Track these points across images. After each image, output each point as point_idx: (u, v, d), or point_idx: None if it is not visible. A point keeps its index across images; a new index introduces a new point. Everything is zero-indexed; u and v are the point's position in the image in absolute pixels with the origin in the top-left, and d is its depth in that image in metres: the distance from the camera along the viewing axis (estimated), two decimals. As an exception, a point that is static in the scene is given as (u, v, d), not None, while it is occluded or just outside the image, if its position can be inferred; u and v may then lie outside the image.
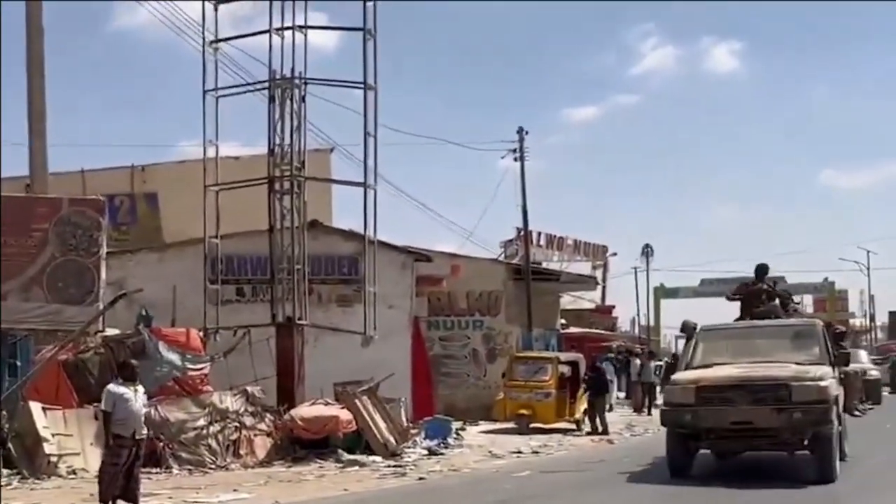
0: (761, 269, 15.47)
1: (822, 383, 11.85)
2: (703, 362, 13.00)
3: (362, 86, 17.64)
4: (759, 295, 15.05)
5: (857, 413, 20.97)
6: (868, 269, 66.65)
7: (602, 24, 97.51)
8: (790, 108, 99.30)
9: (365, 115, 17.64)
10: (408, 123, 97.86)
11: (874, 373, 30.69)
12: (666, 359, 39.24)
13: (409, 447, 16.63)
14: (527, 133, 33.11)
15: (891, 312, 70.35)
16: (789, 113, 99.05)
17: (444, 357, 26.43)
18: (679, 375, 13.00)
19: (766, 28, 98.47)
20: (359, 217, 18.03)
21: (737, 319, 15.05)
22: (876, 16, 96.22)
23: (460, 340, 26.84)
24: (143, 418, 10.56)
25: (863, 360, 31.09)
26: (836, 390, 12.23)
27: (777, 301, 14.97)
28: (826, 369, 12.34)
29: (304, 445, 15.86)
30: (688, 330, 15.50)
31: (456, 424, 19.54)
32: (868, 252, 65.61)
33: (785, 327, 13.87)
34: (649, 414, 26.42)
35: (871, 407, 24.99)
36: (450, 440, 17.93)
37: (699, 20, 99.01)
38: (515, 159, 32.92)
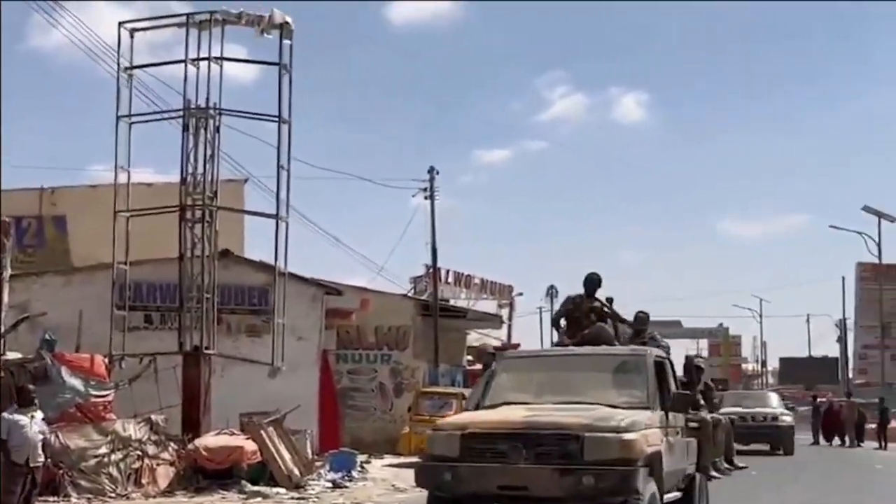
0: (591, 281, 11.97)
1: (629, 436, 8.43)
2: (496, 400, 9.70)
3: (277, 119, 17.58)
4: (588, 314, 11.83)
5: (715, 474, 15.73)
6: (761, 316, 68.52)
7: (513, 70, 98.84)
8: (693, 159, 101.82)
9: (279, 148, 17.57)
10: (324, 158, 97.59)
11: (787, 419, 27.35)
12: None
13: (313, 479, 16.39)
14: (437, 173, 33.26)
15: (781, 359, 72.44)
16: (692, 163, 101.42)
17: (351, 390, 26.21)
18: (449, 419, 10.37)
19: (672, 81, 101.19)
20: (271, 248, 17.88)
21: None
22: (776, 72, 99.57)
23: (368, 374, 26.67)
24: (39, 445, 10.19)
25: (774, 404, 28.48)
26: (655, 445, 8.87)
27: (621, 324, 11.95)
28: (645, 415, 9.05)
29: (207, 475, 15.47)
30: (486, 358, 13.05)
31: (361, 457, 19.34)
32: (761, 300, 67.52)
33: (608, 357, 10.45)
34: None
35: (741, 466, 19.65)
36: (354, 473, 17.71)
37: (608, 70, 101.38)
38: (426, 198, 33.03)
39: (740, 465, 19.84)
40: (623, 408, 9.15)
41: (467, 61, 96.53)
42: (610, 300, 12.33)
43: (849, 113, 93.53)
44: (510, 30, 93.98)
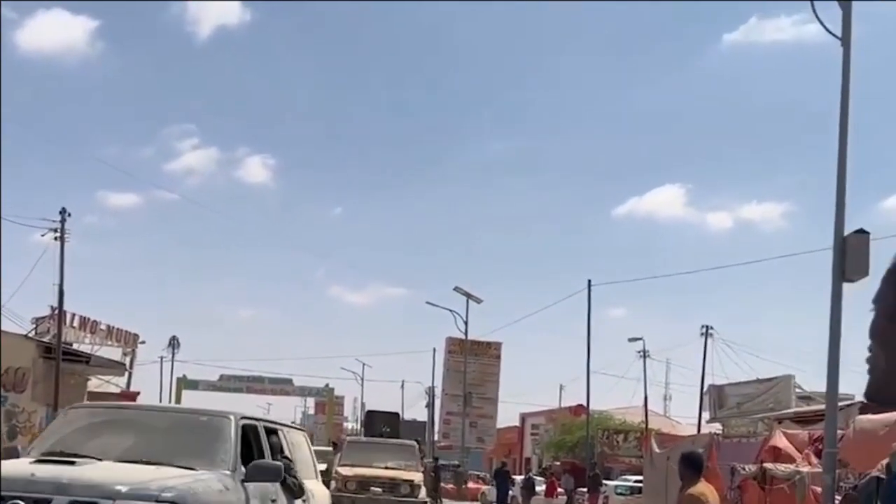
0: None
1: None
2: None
3: None
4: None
5: None
6: (363, 379, 70.42)
7: (142, 116, 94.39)
8: (310, 224, 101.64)
9: None
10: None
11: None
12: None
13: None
14: (69, 215, 30.96)
15: (368, 412, 74.59)
16: (309, 228, 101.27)
17: (-42, 432, 23.17)
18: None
19: (296, 148, 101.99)
20: None
21: None
22: (387, 154, 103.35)
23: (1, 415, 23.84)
24: None
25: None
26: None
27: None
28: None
29: None
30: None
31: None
32: (364, 364, 69.35)
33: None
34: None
35: None
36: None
37: (236, 130, 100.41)
38: (56, 238, 30.53)
39: None
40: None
41: (94, 99, 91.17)
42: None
43: (441, 197, 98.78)
44: (139, 74, 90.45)
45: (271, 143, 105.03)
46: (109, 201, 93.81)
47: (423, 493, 19.44)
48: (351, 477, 19.26)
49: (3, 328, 27.35)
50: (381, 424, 24.37)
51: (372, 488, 18.94)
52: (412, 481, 19.27)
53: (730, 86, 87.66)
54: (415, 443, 21.86)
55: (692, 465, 7.36)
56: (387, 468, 19.69)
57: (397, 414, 29.61)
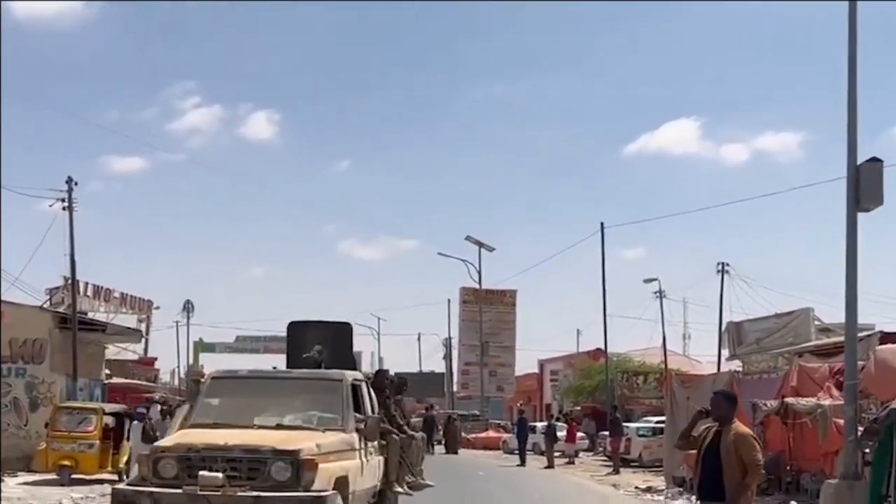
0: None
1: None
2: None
3: None
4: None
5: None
6: (379, 333, 70.75)
7: (142, 76, 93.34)
8: (318, 179, 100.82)
9: None
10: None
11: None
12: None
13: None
14: (76, 184, 30.89)
15: (396, 373, 75.21)
16: (317, 183, 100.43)
17: (-19, 405, 23.48)
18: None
19: (300, 102, 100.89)
20: None
21: None
22: (394, 109, 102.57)
23: (2, 388, 24.14)
24: None
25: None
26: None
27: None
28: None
29: None
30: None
31: (-7, 476, 17.23)
32: (379, 319, 69.56)
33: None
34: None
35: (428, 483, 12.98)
36: (-13, 493, 15.70)
37: (239, 85, 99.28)
38: (64, 208, 30.55)
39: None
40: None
41: (92, 63, 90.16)
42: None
43: (447, 146, 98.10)
44: (137, 34, 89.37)
45: (275, 98, 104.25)
46: (114, 166, 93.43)
47: (326, 476, 8.68)
48: (168, 449, 8.99)
49: (17, 301, 27.62)
50: (310, 345, 11.69)
51: (202, 473, 8.47)
52: (296, 454, 8.56)
53: (739, 11, 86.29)
54: (347, 376, 10.30)
55: (734, 403, 7.42)
56: (277, 427, 9.45)
57: (347, 324, 14.16)
